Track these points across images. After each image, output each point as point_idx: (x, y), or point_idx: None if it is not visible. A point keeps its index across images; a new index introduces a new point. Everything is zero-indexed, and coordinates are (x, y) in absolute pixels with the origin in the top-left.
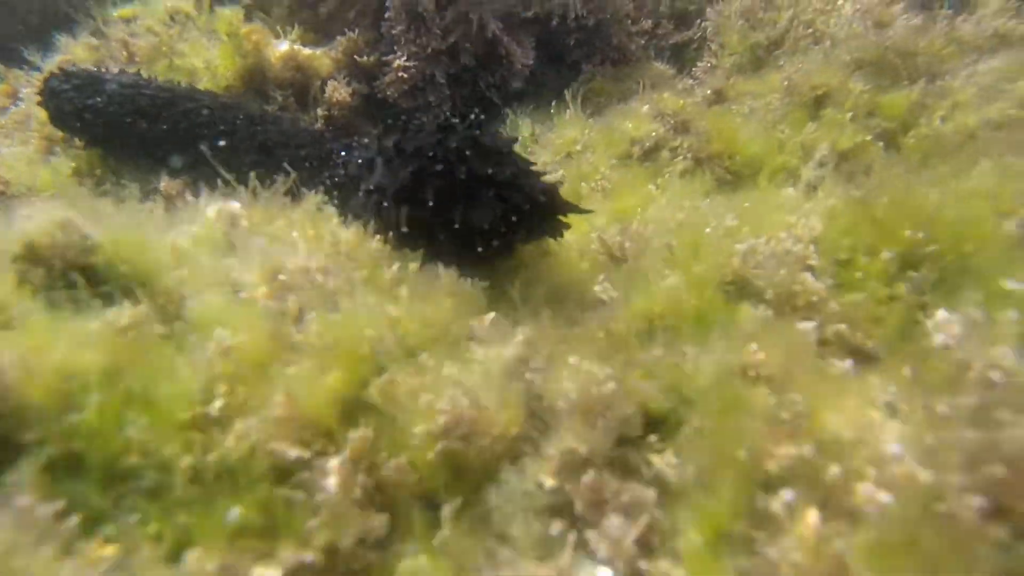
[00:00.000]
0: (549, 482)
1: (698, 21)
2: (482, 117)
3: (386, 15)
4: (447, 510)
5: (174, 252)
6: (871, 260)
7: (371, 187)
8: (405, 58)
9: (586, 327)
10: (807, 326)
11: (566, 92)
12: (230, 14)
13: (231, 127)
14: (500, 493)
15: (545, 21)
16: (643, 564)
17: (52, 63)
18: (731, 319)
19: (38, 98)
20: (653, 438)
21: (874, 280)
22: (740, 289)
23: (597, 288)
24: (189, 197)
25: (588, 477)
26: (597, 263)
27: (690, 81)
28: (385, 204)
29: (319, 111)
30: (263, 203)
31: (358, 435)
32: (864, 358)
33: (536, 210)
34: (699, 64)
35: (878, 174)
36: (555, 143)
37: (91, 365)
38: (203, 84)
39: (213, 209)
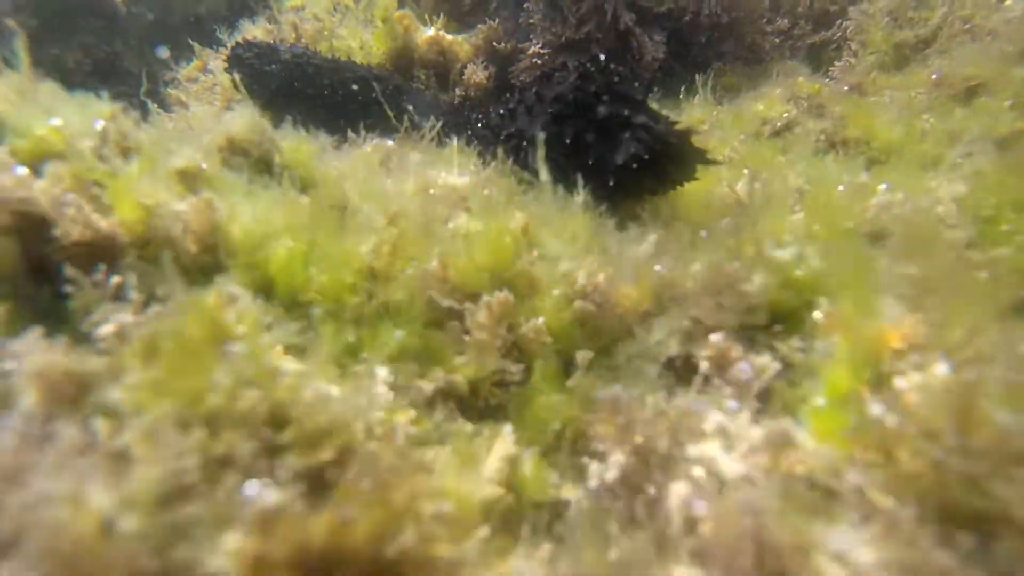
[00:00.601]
0: (675, 346)
1: (838, 21)
2: (620, 69)
3: (525, 5)
4: (581, 357)
5: (338, 170)
6: (1020, 216)
7: (511, 131)
8: (540, 46)
9: (714, 237)
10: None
11: (697, 77)
12: (386, 2)
13: (382, 94)
14: (630, 348)
15: (678, 16)
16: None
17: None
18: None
19: (224, 64)
20: (778, 328)
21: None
22: (874, 240)
23: (724, 220)
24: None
25: (716, 336)
26: (724, 207)
27: (827, 80)
28: (524, 144)
29: (457, 91)
30: (411, 143)
31: (500, 297)
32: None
33: (668, 152)
34: (837, 63)
35: None
36: (685, 122)
37: (279, 220)
38: (358, 61)
39: (369, 145)
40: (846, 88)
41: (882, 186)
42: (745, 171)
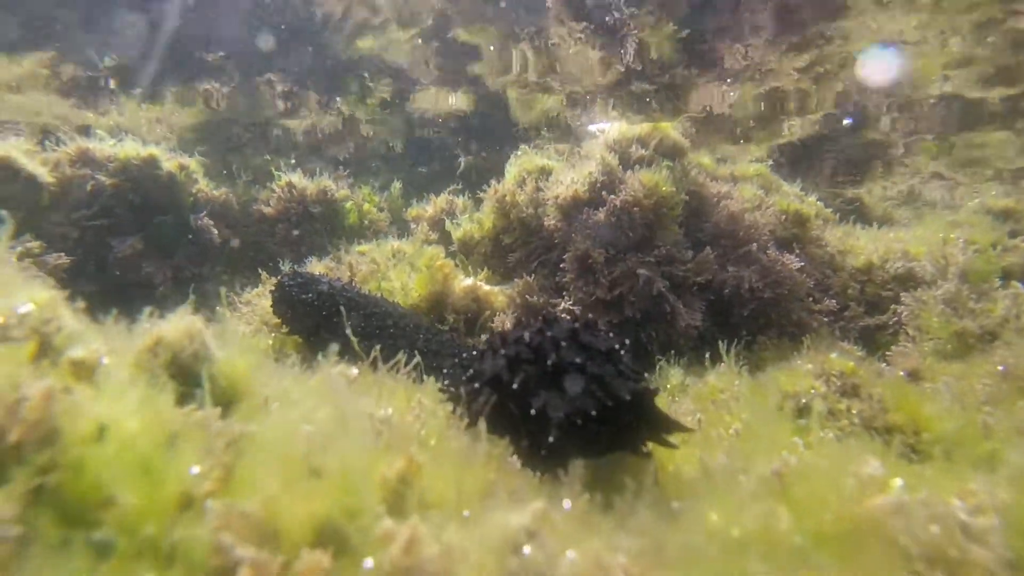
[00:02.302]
0: None
1: (893, 306)
2: (594, 320)
3: (561, 265)
4: None
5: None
6: None
7: (472, 373)
8: (572, 303)
9: (632, 522)
10: None
11: (720, 344)
12: (433, 252)
13: (401, 331)
14: None
15: (718, 288)
16: None
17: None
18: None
19: (271, 289)
20: None
21: None
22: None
23: (674, 503)
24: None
25: None
26: (689, 480)
27: (882, 364)
28: (476, 386)
29: (483, 337)
30: (379, 374)
31: (310, 561)
32: None
33: (621, 412)
34: (893, 348)
35: None
36: (699, 392)
37: (127, 424)
38: (397, 301)
39: (336, 370)
40: (902, 373)
41: (897, 482)
42: (724, 446)
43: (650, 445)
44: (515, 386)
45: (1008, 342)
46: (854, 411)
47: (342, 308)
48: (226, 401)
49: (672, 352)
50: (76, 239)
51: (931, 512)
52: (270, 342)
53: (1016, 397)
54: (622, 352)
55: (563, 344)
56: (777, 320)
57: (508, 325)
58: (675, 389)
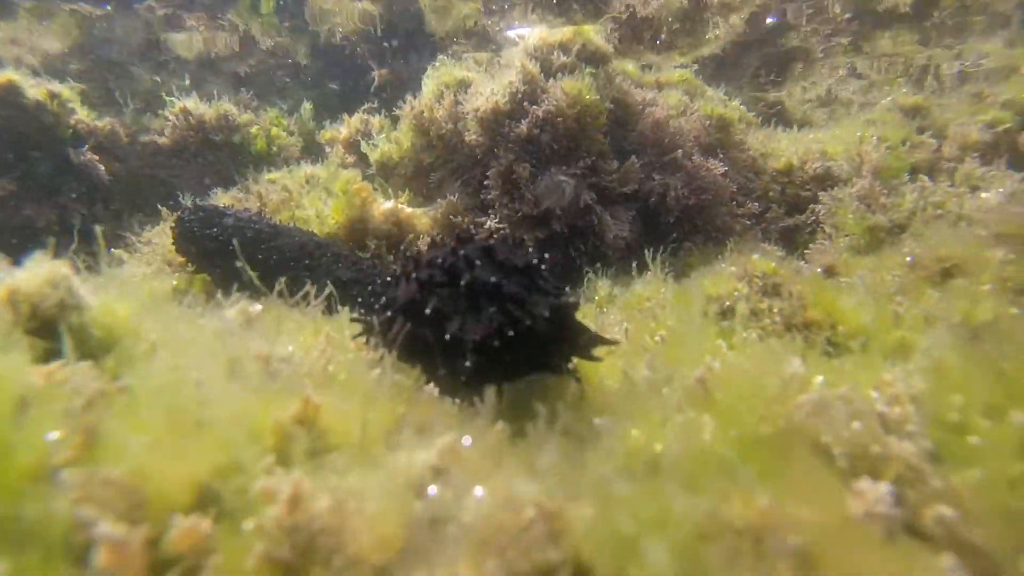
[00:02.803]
0: None
1: (811, 206)
2: (510, 236)
3: (485, 183)
4: None
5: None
6: (994, 425)
7: (384, 300)
8: (497, 220)
9: (547, 449)
10: (881, 494)
11: (646, 253)
12: (349, 175)
13: (316, 261)
14: None
15: (644, 198)
16: None
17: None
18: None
19: (172, 226)
20: None
21: (997, 451)
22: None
23: (596, 420)
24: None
25: None
26: (613, 394)
27: (801, 262)
28: (389, 314)
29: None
30: (286, 309)
31: (187, 525)
32: (979, 560)
33: (542, 331)
34: (812, 246)
35: (1014, 336)
36: (627, 301)
37: None
38: (312, 230)
39: (235, 309)
40: (819, 270)
41: (818, 379)
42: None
43: (576, 362)
44: (428, 311)
45: (915, 234)
46: (775, 310)
47: (235, 242)
48: (104, 353)
49: (600, 264)
50: None
51: (852, 408)
52: (174, 283)
53: (924, 286)
54: (542, 267)
55: (477, 263)
56: (703, 226)
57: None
58: (603, 300)
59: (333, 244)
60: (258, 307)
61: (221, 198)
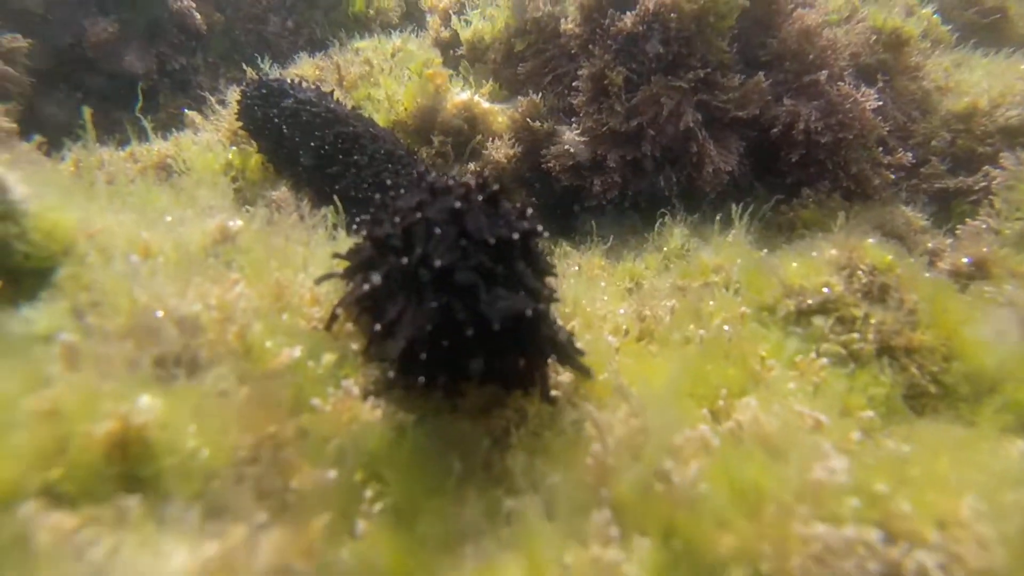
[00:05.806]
0: None
1: (986, 167)
2: (518, 222)
3: (574, 83)
4: None
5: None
6: None
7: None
8: (579, 131)
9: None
10: None
11: (733, 208)
12: (426, 56)
13: (368, 158)
14: None
15: (766, 126)
16: None
17: (273, 74)
18: None
19: (237, 98)
20: None
21: None
22: None
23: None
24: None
25: None
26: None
27: (947, 240)
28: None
29: (471, 165)
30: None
31: None
32: None
33: (493, 342)
34: (968, 221)
35: None
36: (692, 268)
37: None
38: (380, 116)
39: (215, 222)
40: (965, 259)
41: (852, 502)
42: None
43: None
44: (366, 287)
45: None
46: (873, 322)
47: (294, 136)
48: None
49: (685, 203)
50: (40, 16)
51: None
52: (229, 156)
53: None
54: (532, 241)
55: (437, 230)
56: (833, 170)
57: (501, 153)
58: (672, 253)
59: (390, 138)
60: (238, 222)
61: (304, 66)
